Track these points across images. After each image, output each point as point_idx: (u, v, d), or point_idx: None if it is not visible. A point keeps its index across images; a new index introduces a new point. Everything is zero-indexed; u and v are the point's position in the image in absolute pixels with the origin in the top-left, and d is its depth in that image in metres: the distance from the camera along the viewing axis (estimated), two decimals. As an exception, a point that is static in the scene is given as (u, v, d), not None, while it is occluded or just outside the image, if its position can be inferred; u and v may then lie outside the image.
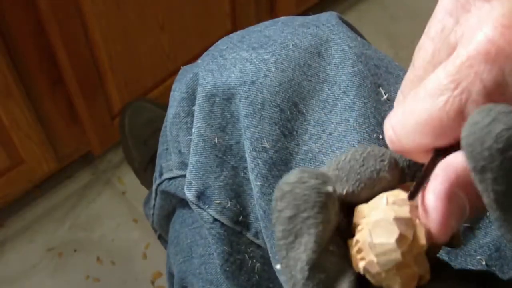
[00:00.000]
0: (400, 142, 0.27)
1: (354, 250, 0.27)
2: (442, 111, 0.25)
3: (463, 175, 0.25)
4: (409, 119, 0.27)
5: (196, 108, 0.52)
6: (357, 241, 0.27)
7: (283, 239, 0.26)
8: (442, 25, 0.27)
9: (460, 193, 0.26)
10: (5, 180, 1.12)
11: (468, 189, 0.25)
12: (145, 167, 1.14)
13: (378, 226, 0.26)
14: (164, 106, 1.07)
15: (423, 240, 0.26)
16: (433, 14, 0.28)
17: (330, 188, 0.27)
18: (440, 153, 0.27)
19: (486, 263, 0.42)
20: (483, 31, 0.25)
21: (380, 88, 0.48)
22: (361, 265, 0.26)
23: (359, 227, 0.27)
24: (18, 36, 0.96)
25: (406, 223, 0.26)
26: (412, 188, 0.27)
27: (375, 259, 0.26)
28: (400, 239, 0.26)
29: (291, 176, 0.27)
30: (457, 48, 0.26)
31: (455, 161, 0.26)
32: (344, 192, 0.28)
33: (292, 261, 0.26)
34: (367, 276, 0.27)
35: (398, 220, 0.26)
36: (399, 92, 0.30)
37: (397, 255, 0.26)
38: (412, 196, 0.27)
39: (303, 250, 0.26)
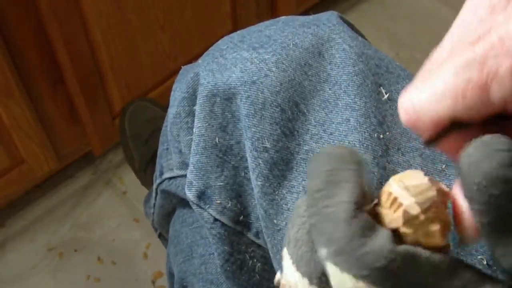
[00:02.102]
0: (416, 112, 0.27)
1: (387, 204, 0.27)
2: (466, 85, 0.25)
3: None
4: (430, 89, 0.26)
5: (197, 108, 0.52)
6: (390, 194, 0.27)
7: (320, 191, 0.26)
8: (478, 16, 0.27)
9: None
10: (6, 180, 1.12)
11: None
12: (145, 166, 1.14)
13: (406, 176, 0.27)
14: (164, 106, 1.07)
15: (446, 189, 0.27)
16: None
17: (363, 157, 0.28)
18: (456, 126, 0.27)
19: (487, 263, 0.42)
20: None
21: (381, 87, 0.48)
22: (399, 212, 0.26)
23: (385, 187, 0.27)
24: (18, 36, 0.96)
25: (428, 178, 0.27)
26: (424, 144, 0.28)
27: (413, 199, 0.26)
28: (430, 181, 0.27)
29: (327, 146, 0.28)
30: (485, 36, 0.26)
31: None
32: None
33: (330, 208, 0.26)
34: (404, 229, 0.26)
35: (420, 173, 0.27)
36: (420, 74, 0.30)
37: (433, 193, 0.26)
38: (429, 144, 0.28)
39: (346, 194, 0.26)
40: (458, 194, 0.27)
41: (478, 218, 0.25)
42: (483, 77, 0.25)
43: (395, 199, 0.26)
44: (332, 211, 0.26)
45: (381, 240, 0.25)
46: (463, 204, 0.27)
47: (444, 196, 0.27)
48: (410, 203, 0.26)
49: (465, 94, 0.25)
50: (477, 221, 0.25)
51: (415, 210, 0.26)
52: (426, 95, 0.27)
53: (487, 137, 0.24)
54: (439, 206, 0.26)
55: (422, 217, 0.26)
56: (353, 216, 0.25)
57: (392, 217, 0.26)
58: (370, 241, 0.25)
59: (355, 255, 0.25)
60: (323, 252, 0.26)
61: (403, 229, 0.26)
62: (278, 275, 0.30)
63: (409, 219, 0.26)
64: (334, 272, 0.25)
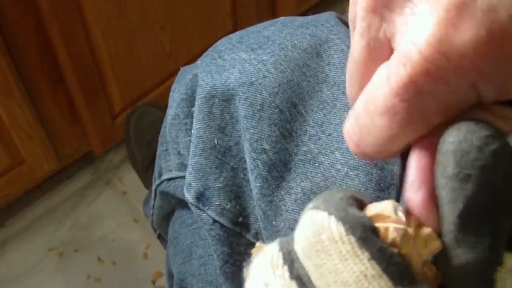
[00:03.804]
0: (369, 156, 0.27)
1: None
2: (403, 129, 0.25)
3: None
4: (371, 138, 0.26)
5: (195, 109, 0.52)
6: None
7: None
8: (367, 23, 0.26)
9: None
10: (6, 180, 1.12)
11: None
12: (147, 167, 1.14)
13: (370, 209, 0.27)
14: (167, 108, 1.07)
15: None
16: (353, 11, 0.28)
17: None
18: (407, 155, 0.27)
19: None
20: (417, 48, 0.23)
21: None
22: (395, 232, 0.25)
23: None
24: (19, 36, 0.96)
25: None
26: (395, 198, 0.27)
27: (392, 220, 0.25)
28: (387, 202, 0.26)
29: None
30: (394, 55, 0.25)
31: (424, 162, 0.26)
32: None
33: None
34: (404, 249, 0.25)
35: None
36: (347, 84, 0.30)
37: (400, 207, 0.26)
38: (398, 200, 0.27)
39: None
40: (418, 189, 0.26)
41: (464, 199, 0.23)
42: (416, 118, 0.25)
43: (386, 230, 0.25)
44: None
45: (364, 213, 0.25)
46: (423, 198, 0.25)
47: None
48: (395, 225, 0.25)
49: (407, 135, 0.25)
50: (457, 204, 0.24)
51: (401, 226, 0.25)
52: (369, 144, 0.27)
53: (483, 122, 0.24)
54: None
55: (410, 230, 0.25)
56: (349, 196, 0.26)
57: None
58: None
59: (342, 205, 0.25)
60: (310, 205, 0.26)
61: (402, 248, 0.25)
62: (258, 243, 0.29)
63: (403, 235, 0.25)
64: (312, 212, 0.25)
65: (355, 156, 0.28)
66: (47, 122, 1.11)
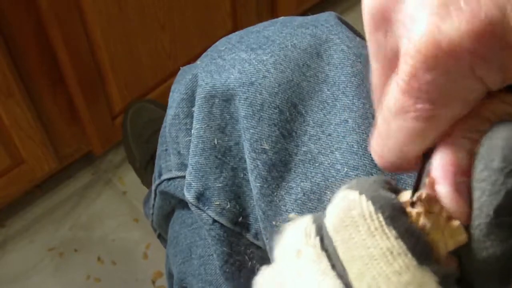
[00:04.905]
0: (393, 165, 0.29)
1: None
2: (417, 127, 0.26)
3: (460, 164, 0.26)
4: (389, 142, 0.28)
5: (195, 109, 0.52)
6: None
7: None
8: (376, 43, 0.28)
9: (464, 178, 0.26)
10: (6, 180, 1.12)
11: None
12: (146, 165, 1.14)
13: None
14: (166, 107, 1.07)
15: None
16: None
17: None
18: (428, 155, 0.28)
19: None
20: (412, 44, 0.25)
21: (380, 88, 0.48)
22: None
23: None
24: (19, 36, 0.96)
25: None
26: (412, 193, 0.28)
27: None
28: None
29: None
30: (399, 61, 0.26)
31: (448, 159, 0.26)
32: None
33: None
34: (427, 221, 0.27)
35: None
36: (375, 102, 0.31)
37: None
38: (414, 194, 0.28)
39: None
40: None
41: (505, 193, 0.24)
42: (425, 112, 0.26)
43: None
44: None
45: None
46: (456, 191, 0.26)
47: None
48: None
49: (420, 132, 0.26)
50: (497, 196, 0.25)
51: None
52: (391, 149, 0.28)
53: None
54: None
55: (442, 220, 0.26)
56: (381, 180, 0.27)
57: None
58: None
59: (374, 186, 0.27)
60: (345, 186, 0.27)
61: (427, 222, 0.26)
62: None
63: (434, 223, 0.26)
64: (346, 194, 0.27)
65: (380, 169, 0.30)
66: (47, 122, 1.11)
